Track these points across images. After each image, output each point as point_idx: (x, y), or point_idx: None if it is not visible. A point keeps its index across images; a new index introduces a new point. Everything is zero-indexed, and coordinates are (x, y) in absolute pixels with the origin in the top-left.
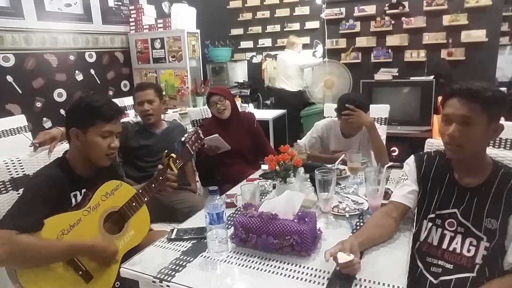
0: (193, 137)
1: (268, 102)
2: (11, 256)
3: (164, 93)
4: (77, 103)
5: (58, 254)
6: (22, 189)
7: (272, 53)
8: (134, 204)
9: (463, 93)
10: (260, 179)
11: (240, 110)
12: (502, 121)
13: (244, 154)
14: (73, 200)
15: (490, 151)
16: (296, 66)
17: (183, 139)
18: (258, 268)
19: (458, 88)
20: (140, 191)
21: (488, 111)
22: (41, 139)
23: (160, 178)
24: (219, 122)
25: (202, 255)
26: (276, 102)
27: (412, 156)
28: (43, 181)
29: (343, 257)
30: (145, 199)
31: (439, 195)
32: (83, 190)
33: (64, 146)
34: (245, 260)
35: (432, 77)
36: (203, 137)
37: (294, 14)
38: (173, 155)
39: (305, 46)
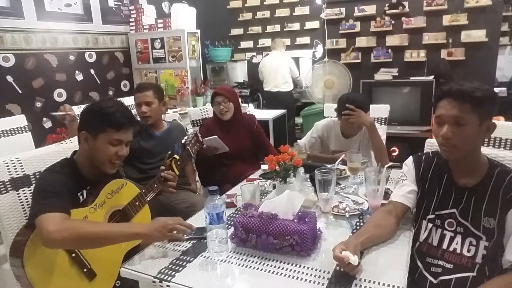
0: (192, 140)
1: None
2: (75, 240)
3: (164, 93)
4: (90, 107)
5: (119, 240)
6: (24, 187)
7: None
8: (137, 203)
9: (453, 94)
10: (260, 179)
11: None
12: (502, 121)
13: (244, 156)
14: (81, 198)
15: (490, 151)
16: (288, 67)
17: (183, 141)
18: (258, 268)
19: (448, 89)
20: (143, 190)
21: (479, 111)
22: (62, 114)
23: (163, 179)
24: (220, 123)
25: (202, 255)
26: (268, 104)
27: (411, 157)
28: (57, 176)
29: (350, 257)
30: (148, 199)
31: (438, 195)
32: (88, 187)
33: (69, 146)
34: (245, 260)
35: (432, 77)
36: (201, 140)
37: (294, 14)
38: (176, 156)
39: (305, 46)
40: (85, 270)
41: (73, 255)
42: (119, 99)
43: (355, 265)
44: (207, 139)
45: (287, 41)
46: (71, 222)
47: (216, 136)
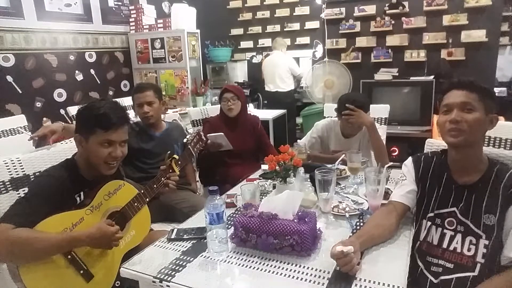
0: (195, 138)
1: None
2: (5, 249)
3: (164, 93)
4: (81, 110)
5: (55, 245)
6: (25, 187)
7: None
8: (136, 204)
9: (462, 84)
10: (260, 179)
11: None
12: (502, 121)
13: (246, 156)
14: (78, 200)
15: (490, 151)
16: (287, 67)
17: (185, 140)
18: (258, 268)
19: (456, 80)
20: (142, 191)
21: (484, 101)
22: (40, 133)
23: (162, 179)
24: (226, 120)
25: (202, 255)
26: (268, 104)
27: (410, 157)
28: (50, 181)
29: (343, 249)
30: (147, 199)
31: (438, 194)
32: (86, 190)
33: (65, 146)
34: (245, 260)
35: (432, 77)
36: (204, 139)
37: (294, 14)
38: (175, 156)
39: (305, 46)
40: (81, 272)
41: (69, 257)
42: (119, 99)
43: (351, 252)
44: (213, 135)
45: (287, 41)
46: (7, 231)
47: (223, 134)
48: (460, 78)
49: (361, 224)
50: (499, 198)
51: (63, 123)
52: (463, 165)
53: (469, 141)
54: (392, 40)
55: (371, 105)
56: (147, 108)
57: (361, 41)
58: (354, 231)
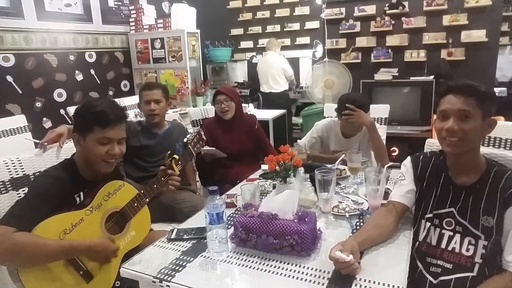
0: (195, 138)
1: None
2: (6, 254)
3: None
4: (78, 108)
5: (55, 253)
6: (24, 187)
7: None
8: (135, 204)
9: (459, 89)
10: (260, 179)
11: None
12: (502, 121)
13: (244, 156)
14: (78, 200)
15: (490, 151)
16: (280, 68)
17: (185, 140)
18: (258, 268)
19: (454, 84)
20: (142, 191)
21: (483, 106)
22: (47, 138)
23: (162, 179)
24: (221, 123)
25: (202, 255)
26: (264, 104)
27: (409, 157)
28: (49, 181)
29: (342, 256)
30: (147, 199)
31: (436, 194)
32: (86, 190)
33: (65, 146)
34: (245, 260)
35: (432, 77)
36: (205, 138)
37: (294, 14)
38: (175, 156)
39: (305, 46)
40: (81, 272)
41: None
42: (118, 99)
43: (349, 260)
44: (206, 149)
45: (287, 41)
46: (8, 235)
47: (214, 148)
48: (457, 82)
49: (361, 224)
50: (497, 201)
51: (66, 125)
52: (461, 167)
53: (466, 149)
54: (392, 40)
55: (371, 105)
56: (153, 106)
57: (361, 41)
58: (354, 231)
